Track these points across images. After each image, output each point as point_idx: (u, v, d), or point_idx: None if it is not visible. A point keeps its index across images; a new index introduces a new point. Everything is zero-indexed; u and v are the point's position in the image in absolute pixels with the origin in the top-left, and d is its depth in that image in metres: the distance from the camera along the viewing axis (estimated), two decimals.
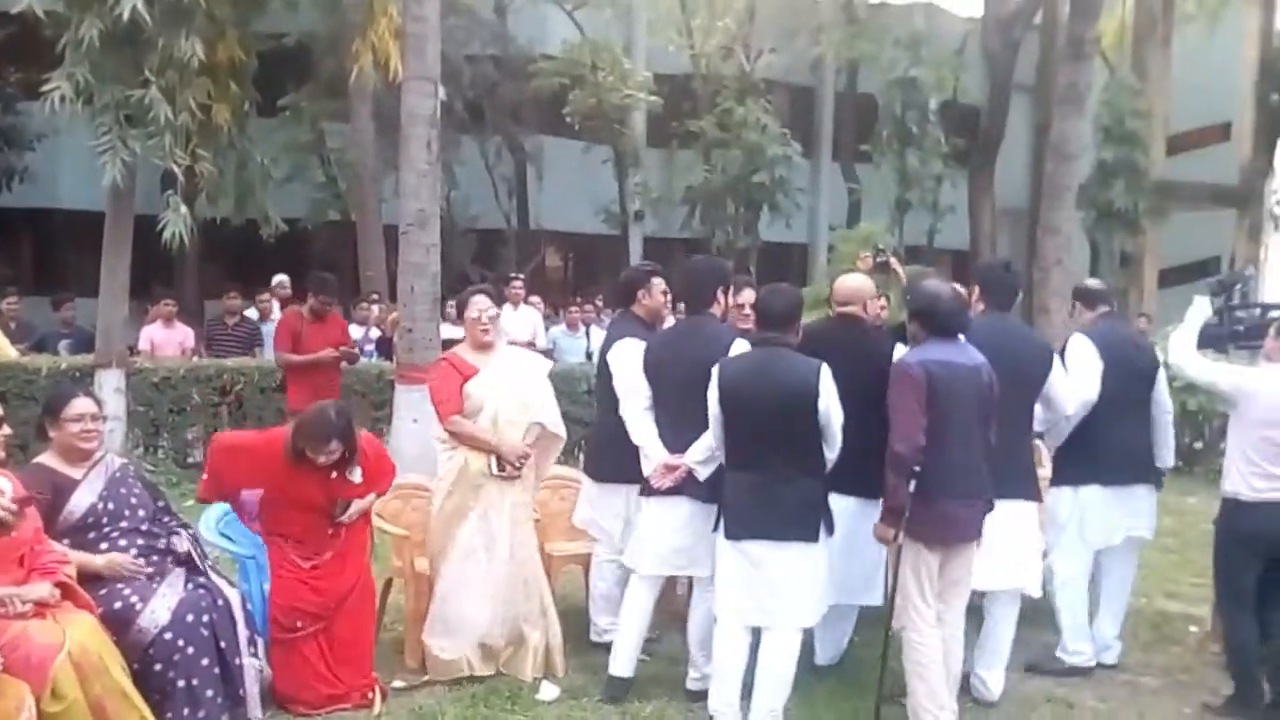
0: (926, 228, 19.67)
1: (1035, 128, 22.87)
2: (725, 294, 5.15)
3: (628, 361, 5.22)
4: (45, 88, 8.26)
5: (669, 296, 5.59)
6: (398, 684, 4.99)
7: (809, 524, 4.42)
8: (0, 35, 13.77)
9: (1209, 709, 4.98)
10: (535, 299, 12.05)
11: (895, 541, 4.45)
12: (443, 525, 5.15)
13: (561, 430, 5.42)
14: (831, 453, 4.50)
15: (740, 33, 19.96)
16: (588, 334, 12.09)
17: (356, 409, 9.68)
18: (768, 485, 4.45)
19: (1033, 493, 5.02)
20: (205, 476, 4.85)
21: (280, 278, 11.81)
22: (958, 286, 5.06)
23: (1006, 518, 4.75)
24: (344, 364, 8.65)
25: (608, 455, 5.41)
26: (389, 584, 5.62)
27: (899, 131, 18.65)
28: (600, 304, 13.55)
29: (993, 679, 5.03)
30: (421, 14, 8.50)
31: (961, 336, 4.59)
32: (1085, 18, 13.04)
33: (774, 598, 4.47)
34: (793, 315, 4.60)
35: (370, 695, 4.75)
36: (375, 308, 11.82)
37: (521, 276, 12.37)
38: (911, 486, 4.31)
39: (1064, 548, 5.39)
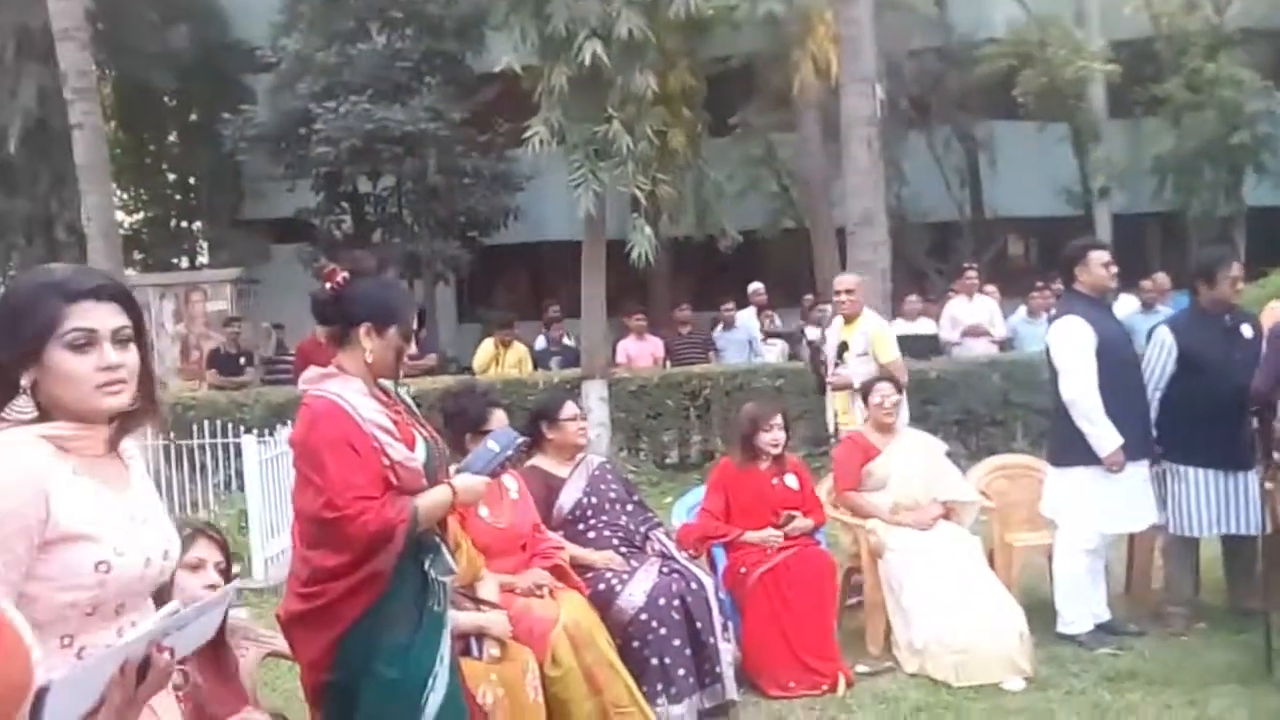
0: None
1: None
2: None
3: (1065, 340, 5.21)
4: (527, 134, 9.34)
5: (1110, 269, 5.39)
6: (861, 669, 5.13)
7: None
8: (489, 93, 15.55)
9: None
10: (991, 287, 11.78)
11: None
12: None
13: (970, 496, 5.59)
14: None
15: None
16: (1049, 321, 11.61)
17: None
18: None
19: None
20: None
21: (756, 285, 12.62)
22: None
23: None
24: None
25: (1062, 439, 5.36)
26: (849, 573, 5.78)
27: None
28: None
29: None
30: (853, 16, 8.66)
31: None
32: None
33: None
34: None
35: (835, 679, 4.92)
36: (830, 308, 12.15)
37: (975, 266, 12.13)
38: None
39: None
